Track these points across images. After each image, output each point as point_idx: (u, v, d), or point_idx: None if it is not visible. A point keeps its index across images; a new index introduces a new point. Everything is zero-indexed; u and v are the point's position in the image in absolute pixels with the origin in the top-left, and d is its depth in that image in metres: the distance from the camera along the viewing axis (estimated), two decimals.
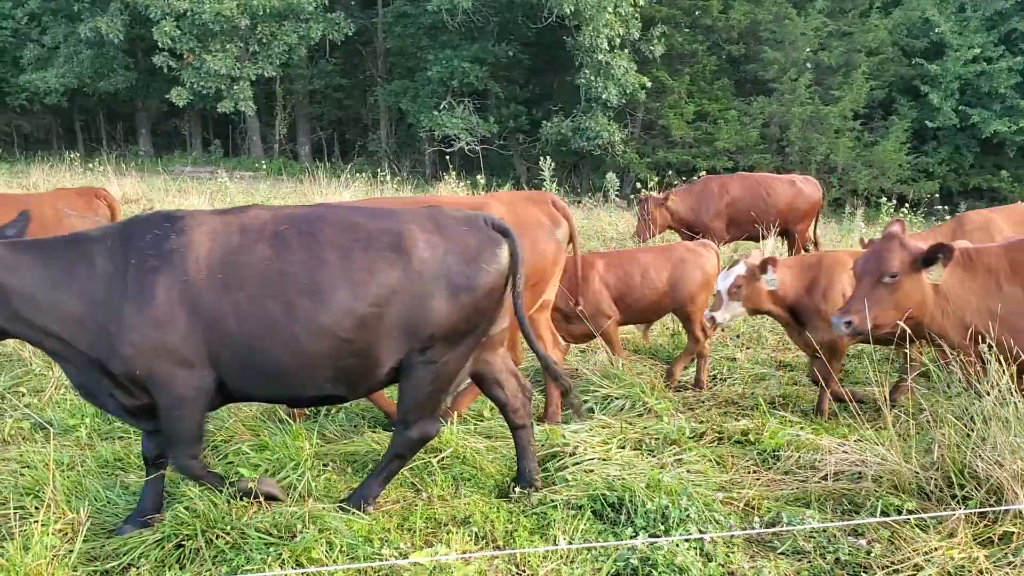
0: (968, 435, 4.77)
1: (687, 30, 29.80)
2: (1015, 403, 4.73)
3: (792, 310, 6.32)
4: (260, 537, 4.26)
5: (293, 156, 33.82)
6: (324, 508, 4.61)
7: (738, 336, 9.00)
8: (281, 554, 4.13)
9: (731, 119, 27.97)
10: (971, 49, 27.47)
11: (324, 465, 5.32)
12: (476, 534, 4.57)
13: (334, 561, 4.20)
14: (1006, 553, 4.28)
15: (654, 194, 12.52)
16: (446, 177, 20.37)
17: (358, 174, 21.95)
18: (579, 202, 20.42)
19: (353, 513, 4.61)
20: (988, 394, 4.80)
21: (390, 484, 5.05)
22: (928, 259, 5.03)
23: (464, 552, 4.34)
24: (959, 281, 5.15)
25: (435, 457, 5.32)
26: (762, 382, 7.36)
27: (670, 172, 24.64)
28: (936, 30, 28.35)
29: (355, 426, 6.20)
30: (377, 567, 4.16)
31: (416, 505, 4.84)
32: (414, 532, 4.56)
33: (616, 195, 19.51)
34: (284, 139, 34.48)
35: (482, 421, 6.18)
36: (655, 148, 28.90)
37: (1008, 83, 27.37)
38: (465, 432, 5.73)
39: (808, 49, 28.32)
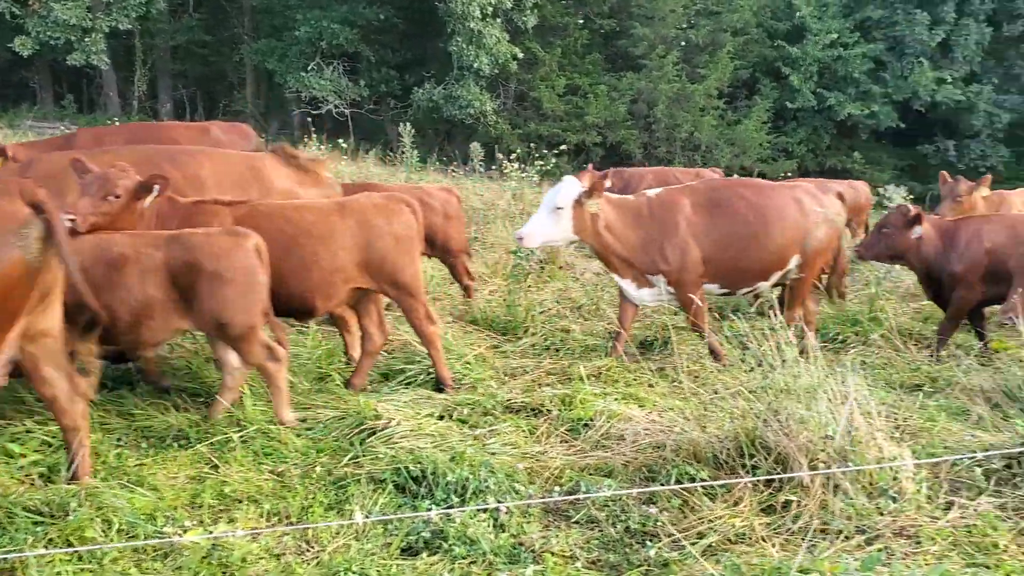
0: (765, 406, 4.94)
1: (560, 2, 29.83)
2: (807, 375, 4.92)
3: None
4: (28, 516, 4.03)
5: (153, 114, 32.28)
6: (106, 485, 4.40)
7: (579, 308, 9.09)
8: (48, 533, 3.92)
9: (601, 94, 28.17)
10: (829, 34, 28.53)
11: (117, 440, 5.08)
12: (268, 511, 4.45)
13: (111, 541, 4.01)
14: (785, 521, 4.45)
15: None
16: (307, 140, 19.84)
17: None
18: (445, 171, 20.33)
19: (135, 490, 4.42)
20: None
21: (186, 460, 4.89)
22: None
23: (254, 529, 4.22)
24: None
25: (237, 432, 5.16)
26: (591, 353, 7.44)
27: (536, 146, 24.81)
28: (797, 14, 29.29)
29: (158, 401, 5.91)
30: (155, 545, 4.00)
31: (211, 481, 4.67)
32: (204, 509, 4.41)
33: (481, 166, 19.43)
34: (144, 95, 32.86)
35: (292, 395, 6.01)
36: (527, 120, 28.88)
37: (862, 68, 28.61)
38: (268, 406, 5.56)
39: (676, 27, 28.79)
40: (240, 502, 4.54)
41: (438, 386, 6.27)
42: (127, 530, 4.12)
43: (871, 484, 4.70)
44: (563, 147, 19.89)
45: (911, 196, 16.58)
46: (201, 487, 4.62)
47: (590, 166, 8.33)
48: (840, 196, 7.84)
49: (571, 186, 6.86)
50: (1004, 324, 7.07)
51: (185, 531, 4.14)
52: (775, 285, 7.66)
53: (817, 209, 7.43)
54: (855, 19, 29.45)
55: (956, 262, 7.67)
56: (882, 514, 4.49)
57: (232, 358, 5.46)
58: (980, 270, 7.46)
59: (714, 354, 7.20)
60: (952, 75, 28.82)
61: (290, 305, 5.90)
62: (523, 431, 5.57)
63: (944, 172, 11.31)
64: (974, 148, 30.11)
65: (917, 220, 7.74)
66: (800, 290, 7.51)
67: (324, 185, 7.36)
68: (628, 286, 7.28)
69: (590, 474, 5.01)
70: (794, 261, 7.40)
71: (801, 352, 5.27)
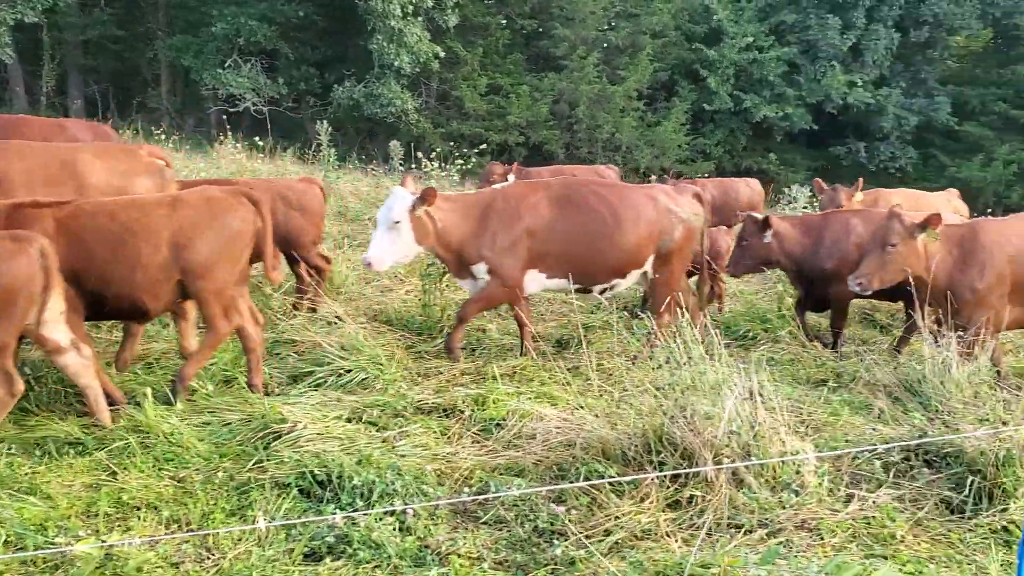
0: (672, 403, 4.98)
1: (481, 2, 29.80)
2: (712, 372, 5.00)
3: None
4: None
5: (63, 110, 31.18)
6: None
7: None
8: None
9: (523, 94, 28.23)
10: (745, 37, 29.12)
11: (9, 448, 4.88)
12: (167, 518, 4.32)
13: None
14: (691, 516, 4.50)
15: None
16: (222, 138, 19.41)
17: (126, 130, 20.48)
18: (365, 169, 20.18)
19: (26, 500, 4.24)
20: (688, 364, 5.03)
21: (83, 468, 4.72)
22: None
23: (151, 537, 4.09)
24: None
25: (136, 437, 5.01)
26: (506, 353, 7.43)
27: (459, 145, 24.82)
28: (715, 17, 29.80)
29: (55, 407, 5.69)
30: (45, 557, 3.84)
31: (107, 489, 4.52)
32: (100, 518, 4.26)
33: (401, 164, 19.28)
34: (52, 91, 31.73)
35: (196, 399, 5.85)
36: (449, 119, 28.78)
37: (776, 71, 29.26)
38: (168, 410, 5.40)
39: (596, 28, 29.02)
40: (138, 509, 4.40)
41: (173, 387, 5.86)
42: (15, 541, 3.96)
43: (774, 478, 4.79)
44: (483, 146, 19.89)
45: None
46: (97, 495, 4.46)
47: (490, 164, 8.37)
48: (697, 196, 7.81)
49: (402, 197, 6.71)
50: (855, 290, 7.10)
51: (78, 540, 4.00)
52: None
53: (674, 209, 7.41)
54: (770, 23, 30.12)
55: (826, 259, 7.81)
56: (784, 507, 4.58)
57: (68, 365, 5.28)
58: (850, 264, 7.50)
59: (450, 352, 7.15)
60: (863, 79, 29.70)
61: (120, 307, 5.68)
62: (434, 432, 5.53)
63: (818, 180, 11.53)
64: (884, 150, 31.11)
65: (767, 224, 7.87)
66: (662, 291, 7.41)
67: (155, 174, 6.95)
68: (469, 286, 7.24)
69: (501, 474, 5.00)
70: (650, 262, 7.41)
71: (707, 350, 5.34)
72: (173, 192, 6.32)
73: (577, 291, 7.40)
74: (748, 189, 13.62)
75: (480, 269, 7.04)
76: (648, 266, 7.44)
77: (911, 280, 6.82)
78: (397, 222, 6.64)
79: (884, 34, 29.72)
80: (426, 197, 6.69)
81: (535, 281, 7.23)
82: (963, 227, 7.31)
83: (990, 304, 6.94)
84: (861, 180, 11.24)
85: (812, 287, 8.03)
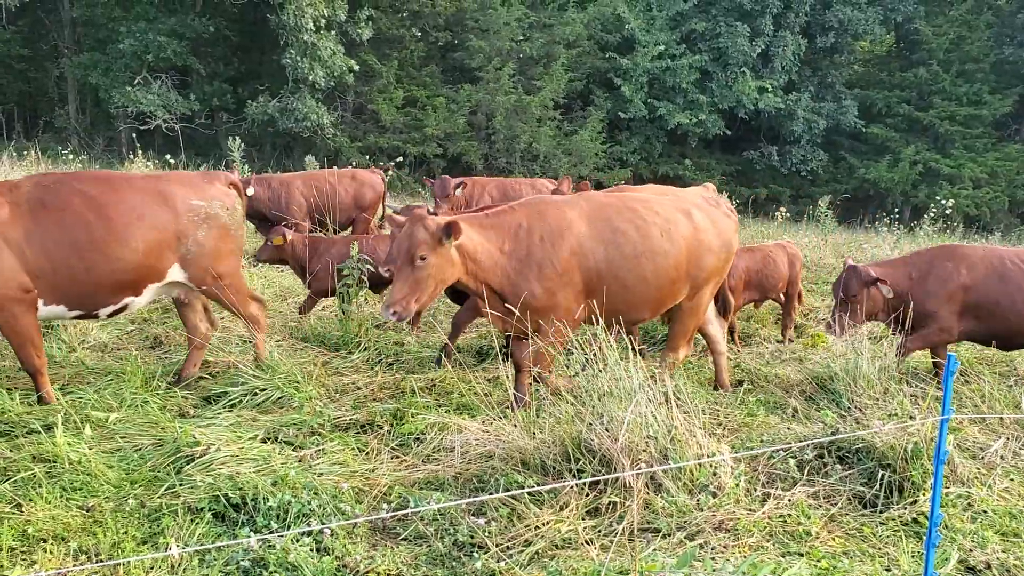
0: (589, 410, 5.01)
1: (395, 15, 29.75)
2: (627, 379, 5.04)
3: None
4: None
5: None
6: None
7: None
8: None
9: (439, 106, 28.33)
10: (657, 46, 29.66)
11: None
12: (76, 549, 4.17)
13: None
14: (610, 522, 4.53)
15: None
16: (131, 156, 18.93)
17: (26, 152, 19.80)
18: None
19: None
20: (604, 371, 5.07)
21: None
22: None
23: (58, 570, 3.93)
24: None
25: (42, 467, 4.82)
26: (425, 366, 7.39)
27: (377, 158, 24.62)
28: (627, 26, 30.29)
29: None
30: None
31: (11, 522, 4.33)
32: (2, 552, 4.08)
33: None
34: None
35: (107, 425, 5.66)
36: (366, 132, 28.67)
37: (689, 79, 29.89)
38: (76, 437, 5.21)
39: (511, 40, 29.23)
40: (44, 542, 4.22)
41: None
42: None
43: (692, 481, 4.86)
44: (401, 159, 19.81)
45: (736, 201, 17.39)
46: (0, 529, 4.27)
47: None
48: (233, 185, 6.70)
49: None
50: (390, 320, 6.08)
51: None
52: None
53: (196, 204, 6.25)
54: (681, 31, 30.74)
55: None
56: (702, 509, 4.64)
57: None
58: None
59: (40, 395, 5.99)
60: (772, 84, 30.53)
61: None
62: (352, 449, 5.45)
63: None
64: (795, 153, 32.03)
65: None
66: (229, 299, 6.55)
67: None
68: None
69: (420, 488, 4.95)
70: (176, 271, 6.25)
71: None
72: None
73: (78, 317, 6.08)
74: (533, 191, 12.76)
75: None
76: (177, 275, 6.27)
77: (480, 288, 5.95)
78: None
79: (792, 40, 30.61)
80: None
81: None
82: (519, 211, 6.12)
83: (555, 302, 5.93)
84: (568, 178, 11.17)
85: None
